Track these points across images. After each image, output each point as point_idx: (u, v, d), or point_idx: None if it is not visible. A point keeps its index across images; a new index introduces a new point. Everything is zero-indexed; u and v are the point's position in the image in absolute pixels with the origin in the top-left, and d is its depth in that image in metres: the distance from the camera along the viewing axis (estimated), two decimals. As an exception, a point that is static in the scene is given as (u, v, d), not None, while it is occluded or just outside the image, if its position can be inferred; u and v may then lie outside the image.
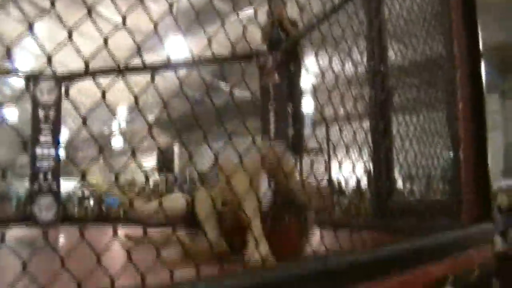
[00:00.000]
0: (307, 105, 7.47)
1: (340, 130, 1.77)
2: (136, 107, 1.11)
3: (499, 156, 12.86)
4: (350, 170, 1.93)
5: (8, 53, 1.01)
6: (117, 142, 16.63)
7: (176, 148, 14.61)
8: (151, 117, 15.47)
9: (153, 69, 5.28)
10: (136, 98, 1.09)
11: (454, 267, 2.18)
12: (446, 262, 2.14)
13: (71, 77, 6.16)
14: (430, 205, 2.59)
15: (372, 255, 1.62)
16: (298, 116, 5.49)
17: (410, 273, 1.83)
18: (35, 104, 5.92)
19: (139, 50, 1.13)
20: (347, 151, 1.78)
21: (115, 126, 16.41)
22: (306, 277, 1.31)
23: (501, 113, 13.89)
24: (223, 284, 1.08)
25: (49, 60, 0.97)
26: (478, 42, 3.10)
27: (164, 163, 13.58)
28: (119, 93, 1.09)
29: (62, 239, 3.68)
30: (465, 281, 2.38)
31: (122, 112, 15.31)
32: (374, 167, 3.77)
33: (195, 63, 4.18)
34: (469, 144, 2.85)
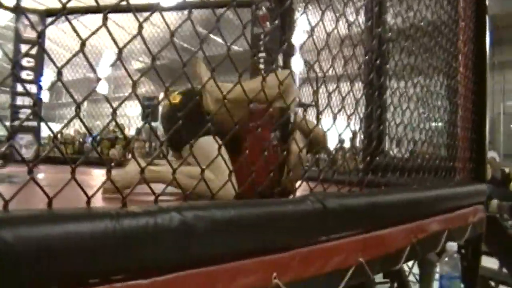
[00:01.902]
0: (299, 58, 7.31)
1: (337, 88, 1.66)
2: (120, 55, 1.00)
3: (484, 128, 12.94)
4: (341, 126, 1.84)
5: None
6: (102, 88, 16.37)
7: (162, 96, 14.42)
8: (139, 65, 15.24)
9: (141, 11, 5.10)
10: (119, 49, 0.98)
11: (450, 223, 2.14)
12: (443, 217, 2.10)
13: (55, 13, 5.94)
14: (425, 165, 2.51)
15: (371, 200, 1.55)
16: (289, 68, 5.35)
17: (406, 225, 1.77)
18: (18, 38, 5.73)
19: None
20: (339, 107, 1.68)
21: (100, 71, 16.11)
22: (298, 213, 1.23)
23: (489, 86, 13.92)
24: (211, 210, 1.00)
25: None
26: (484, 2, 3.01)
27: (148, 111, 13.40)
28: (107, 36, 0.97)
29: (41, 175, 3.57)
30: (459, 237, 2.36)
31: (109, 57, 15.04)
32: (366, 123, 3.70)
33: (187, 7, 3.99)
34: (468, 103, 2.79)
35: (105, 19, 0.94)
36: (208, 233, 0.98)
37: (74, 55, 0.93)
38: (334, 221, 1.34)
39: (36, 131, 5.83)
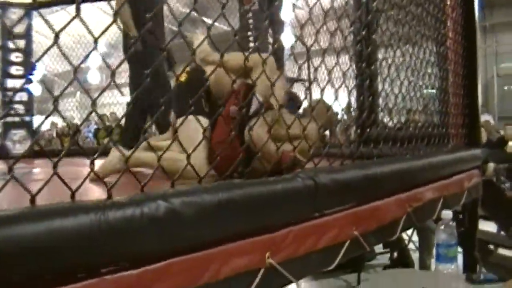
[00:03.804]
0: (287, 34, 7.24)
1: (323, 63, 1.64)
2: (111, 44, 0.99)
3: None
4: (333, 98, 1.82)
5: None
6: (93, 78, 16.26)
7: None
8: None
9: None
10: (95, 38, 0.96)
11: (445, 190, 2.14)
12: (438, 185, 2.10)
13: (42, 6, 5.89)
14: (418, 133, 2.51)
15: (363, 172, 1.54)
16: (278, 45, 5.31)
17: (400, 195, 1.77)
18: (4, 33, 5.67)
19: None
20: (330, 81, 1.66)
21: (91, 61, 15.98)
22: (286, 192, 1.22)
23: (480, 49, 13.89)
24: (198, 195, 0.99)
25: None
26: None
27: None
28: (96, 25, 0.95)
29: (36, 171, 3.56)
30: (455, 203, 2.36)
31: (100, 47, 14.94)
32: (358, 95, 3.69)
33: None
34: (459, 68, 2.78)
35: (78, 10, 0.93)
36: (196, 218, 0.97)
37: (48, 49, 0.92)
38: (326, 196, 1.33)
39: (29, 126, 5.80)
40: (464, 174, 2.44)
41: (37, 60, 0.88)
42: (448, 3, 2.83)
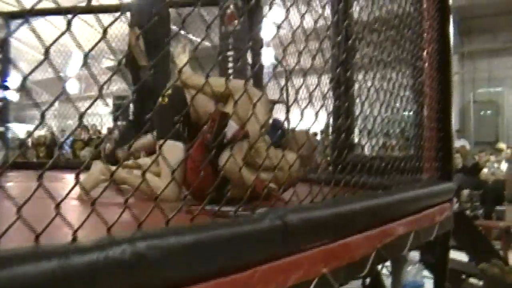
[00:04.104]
0: (268, 55, 7.29)
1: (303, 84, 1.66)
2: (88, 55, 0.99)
3: (454, 117, 13.14)
4: (310, 123, 1.83)
5: None
6: (72, 87, 16.16)
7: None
8: (110, 63, 15.07)
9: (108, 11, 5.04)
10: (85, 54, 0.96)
11: (416, 224, 2.16)
12: (408, 220, 2.11)
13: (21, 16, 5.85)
14: (392, 162, 2.54)
15: (333, 211, 1.55)
16: (258, 65, 5.34)
17: (371, 231, 1.78)
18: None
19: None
20: (309, 103, 1.68)
21: (70, 71, 15.89)
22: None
23: (459, 74, 14.15)
24: (164, 238, 0.99)
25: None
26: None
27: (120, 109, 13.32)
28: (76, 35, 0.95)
29: (9, 185, 3.50)
30: (426, 237, 2.38)
31: (78, 56, 14.87)
32: (334, 121, 3.72)
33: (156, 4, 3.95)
34: (434, 102, 2.82)
35: (68, 24, 0.93)
36: (162, 261, 0.97)
37: (39, 65, 0.91)
38: (295, 236, 1.33)
39: (3, 136, 5.74)
40: (436, 208, 2.46)
41: (27, 76, 0.87)
42: (425, 37, 2.88)
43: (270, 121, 2.83)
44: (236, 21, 5.22)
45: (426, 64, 2.77)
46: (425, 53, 2.83)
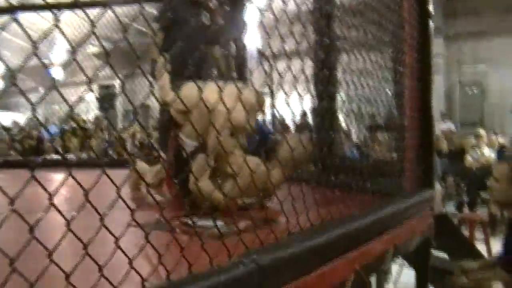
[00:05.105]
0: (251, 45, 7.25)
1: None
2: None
3: (440, 99, 13.18)
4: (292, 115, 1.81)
5: None
6: (57, 74, 15.97)
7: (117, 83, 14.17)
8: (94, 49, 14.90)
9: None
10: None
11: (396, 239, 2.16)
12: (389, 236, 2.11)
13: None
14: (374, 164, 2.55)
15: (309, 244, 1.55)
16: (241, 58, 5.29)
17: (349, 254, 1.78)
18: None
19: None
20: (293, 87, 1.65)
21: (54, 57, 15.73)
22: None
23: (443, 56, 14.15)
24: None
25: None
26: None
27: (105, 97, 13.24)
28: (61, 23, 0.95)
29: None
30: (406, 249, 2.40)
31: (62, 43, 14.68)
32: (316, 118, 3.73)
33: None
34: (415, 113, 2.82)
35: (56, 20, 0.92)
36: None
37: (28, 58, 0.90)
38: (271, 277, 1.34)
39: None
40: (416, 218, 2.46)
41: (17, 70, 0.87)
42: (406, 42, 2.86)
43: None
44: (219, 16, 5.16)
45: (407, 71, 2.76)
46: (406, 58, 2.81)
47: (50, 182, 0.88)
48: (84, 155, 8.96)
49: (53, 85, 0.95)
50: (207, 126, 2.13)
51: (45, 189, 0.87)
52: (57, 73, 16.03)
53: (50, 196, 0.87)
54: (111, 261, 1.01)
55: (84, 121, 11.43)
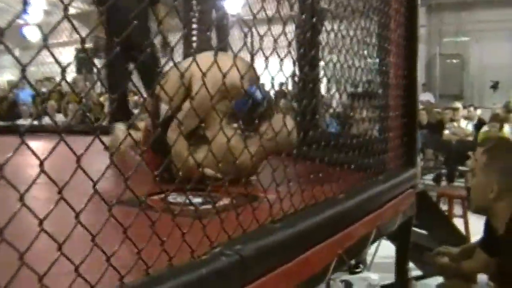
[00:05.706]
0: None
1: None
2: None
3: (420, 71, 13.20)
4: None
5: None
6: (32, 34, 15.54)
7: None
8: (73, 10, 14.52)
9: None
10: None
11: (378, 220, 2.14)
12: (371, 217, 2.09)
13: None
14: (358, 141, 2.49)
15: (292, 231, 1.50)
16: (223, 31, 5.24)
17: (331, 239, 1.75)
18: None
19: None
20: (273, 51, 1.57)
21: (30, 17, 15.28)
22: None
23: (425, 27, 14.08)
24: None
25: None
26: None
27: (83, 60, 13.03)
28: None
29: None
30: (389, 229, 2.38)
31: (38, 2, 14.26)
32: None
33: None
34: (399, 94, 2.78)
35: None
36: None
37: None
38: (254, 267, 1.29)
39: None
40: (399, 198, 2.44)
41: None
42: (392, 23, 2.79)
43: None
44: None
45: (391, 55, 2.71)
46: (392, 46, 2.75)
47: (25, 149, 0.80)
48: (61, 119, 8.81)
49: (44, 45, 0.85)
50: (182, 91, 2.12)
51: (37, 156, 0.81)
52: (33, 34, 15.59)
53: (41, 163, 0.81)
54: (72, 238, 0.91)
55: (59, 84, 11.14)
